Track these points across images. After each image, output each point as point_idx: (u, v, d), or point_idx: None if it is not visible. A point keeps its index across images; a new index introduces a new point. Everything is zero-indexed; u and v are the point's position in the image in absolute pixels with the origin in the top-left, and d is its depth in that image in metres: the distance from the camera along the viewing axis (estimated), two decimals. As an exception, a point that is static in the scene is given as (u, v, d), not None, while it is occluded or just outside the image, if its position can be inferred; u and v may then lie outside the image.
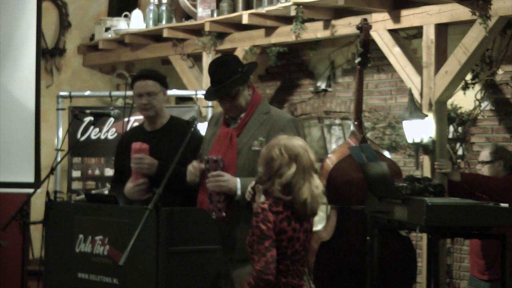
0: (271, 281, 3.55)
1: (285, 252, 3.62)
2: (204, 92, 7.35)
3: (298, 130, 4.25)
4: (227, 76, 4.14)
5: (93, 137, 7.35)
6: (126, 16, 8.40)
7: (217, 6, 7.43)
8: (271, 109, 4.28)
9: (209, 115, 7.39)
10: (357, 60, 5.98)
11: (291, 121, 4.24)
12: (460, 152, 6.80)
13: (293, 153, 3.62)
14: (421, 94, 6.09)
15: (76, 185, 7.47)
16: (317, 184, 3.69)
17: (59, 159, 5.52)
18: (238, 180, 4.09)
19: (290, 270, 3.65)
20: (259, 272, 3.53)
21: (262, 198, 3.76)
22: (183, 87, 8.04)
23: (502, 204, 4.70)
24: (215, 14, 7.40)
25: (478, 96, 6.63)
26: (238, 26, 7.35)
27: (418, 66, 6.16)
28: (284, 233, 3.60)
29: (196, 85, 7.77)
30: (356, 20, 6.31)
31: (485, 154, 5.71)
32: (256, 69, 4.30)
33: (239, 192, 4.07)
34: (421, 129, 5.98)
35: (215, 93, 4.19)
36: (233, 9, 7.30)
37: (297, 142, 3.68)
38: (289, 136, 3.73)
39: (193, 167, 4.20)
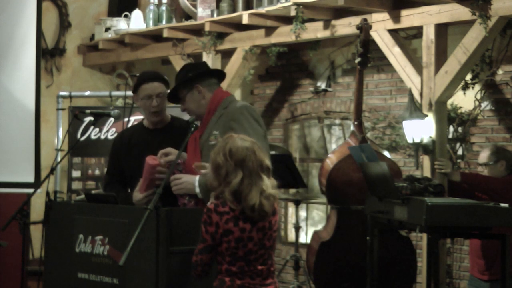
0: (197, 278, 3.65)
1: (235, 253, 3.56)
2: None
3: (254, 116, 4.18)
4: (177, 80, 4.37)
5: (93, 137, 7.36)
6: (126, 16, 8.40)
7: (217, 6, 7.43)
8: (231, 103, 4.28)
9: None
10: (357, 60, 5.98)
11: (242, 107, 4.20)
12: (460, 152, 6.80)
13: (239, 158, 3.54)
14: (421, 94, 6.09)
15: (76, 185, 7.48)
16: (267, 184, 3.58)
17: (59, 159, 5.52)
18: (196, 178, 4.12)
19: (246, 271, 3.58)
20: (192, 265, 3.62)
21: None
22: (183, 87, 8.03)
23: (502, 204, 4.70)
24: (215, 14, 7.40)
25: (478, 96, 6.63)
26: (238, 26, 7.34)
27: (418, 66, 6.16)
28: (231, 233, 3.54)
29: (196, 85, 7.76)
30: (356, 20, 6.31)
31: (485, 156, 5.69)
32: (202, 74, 4.36)
33: (197, 190, 4.10)
34: (421, 129, 5.98)
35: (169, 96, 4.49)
36: (233, 9, 7.30)
37: (243, 144, 3.58)
38: (238, 136, 3.64)
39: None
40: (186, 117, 4.46)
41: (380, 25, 6.36)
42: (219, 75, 4.51)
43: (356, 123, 6.02)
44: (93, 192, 6.97)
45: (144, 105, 4.56)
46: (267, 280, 3.64)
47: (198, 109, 4.31)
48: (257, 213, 3.54)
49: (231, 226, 3.53)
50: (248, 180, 3.54)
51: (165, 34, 7.78)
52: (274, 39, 7.17)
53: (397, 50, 6.28)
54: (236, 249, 3.55)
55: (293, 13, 6.56)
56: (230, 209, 3.54)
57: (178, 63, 8.02)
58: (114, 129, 7.27)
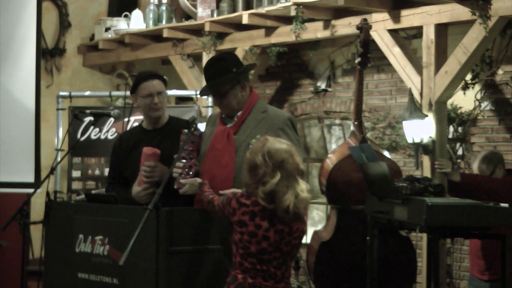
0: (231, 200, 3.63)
1: (248, 247, 3.59)
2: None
3: (296, 128, 4.25)
4: (218, 74, 4.19)
5: (93, 137, 7.34)
6: (126, 16, 8.40)
7: (217, 6, 7.43)
8: (268, 108, 4.30)
9: (209, 115, 7.39)
10: (357, 60, 5.98)
11: (288, 119, 4.24)
12: (460, 152, 6.80)
13: (278, 160, 3.57)
14: (421, 94, 6.09)
15: (76, 185, 7.46)
16: (302, 188, 3.62)
17: (59, 159, 5.51)
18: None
19: (258, 270, 3.61)
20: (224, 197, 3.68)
21: None
22: (183, 87, 8.04)
23: (502, 204, 4.69)
24: (215, 14, 7.40)
25: (478, 96, 6.63)
26: (238, 26, 7.35)
27: (418, 66, 6.16)
28: (244, 226, 3.58)
29: (196, 85, 7.77)
30: (356, 20, 6.31)
31: (482, 168, 5.67)
32: (253, 70, 4.32)
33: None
34: (421, 129, 5.98)
35: (207, 90, 4.27)
36: (233, 9, 7.30)
37: (281, 147, 3.61)
38: (275, 138, 3.67)
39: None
40: (185, 117, 4.44)
41: (380, 25, 6.36)
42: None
43: (356, 123, 6.01)
44: (93, 192, 6.96)
45: (145, 103, 4.52)
46: (279, 284, 3.67)
47: (238, 105, 4.21)
48: (291, 214, 3.58)
49: (246, 219, 3.58)
50: (285, 182, 3.57)
51: (165, 34, 7.79)
52: (274, 39, 7.18)
53: (397, 50, 6.28)
54: (249, 243, 3.58)
55: (293, 13, 6.57)
56: (252, 204, 3.58)
57: (178, 63, 8.03)
58: (114, 129, 7.26)
